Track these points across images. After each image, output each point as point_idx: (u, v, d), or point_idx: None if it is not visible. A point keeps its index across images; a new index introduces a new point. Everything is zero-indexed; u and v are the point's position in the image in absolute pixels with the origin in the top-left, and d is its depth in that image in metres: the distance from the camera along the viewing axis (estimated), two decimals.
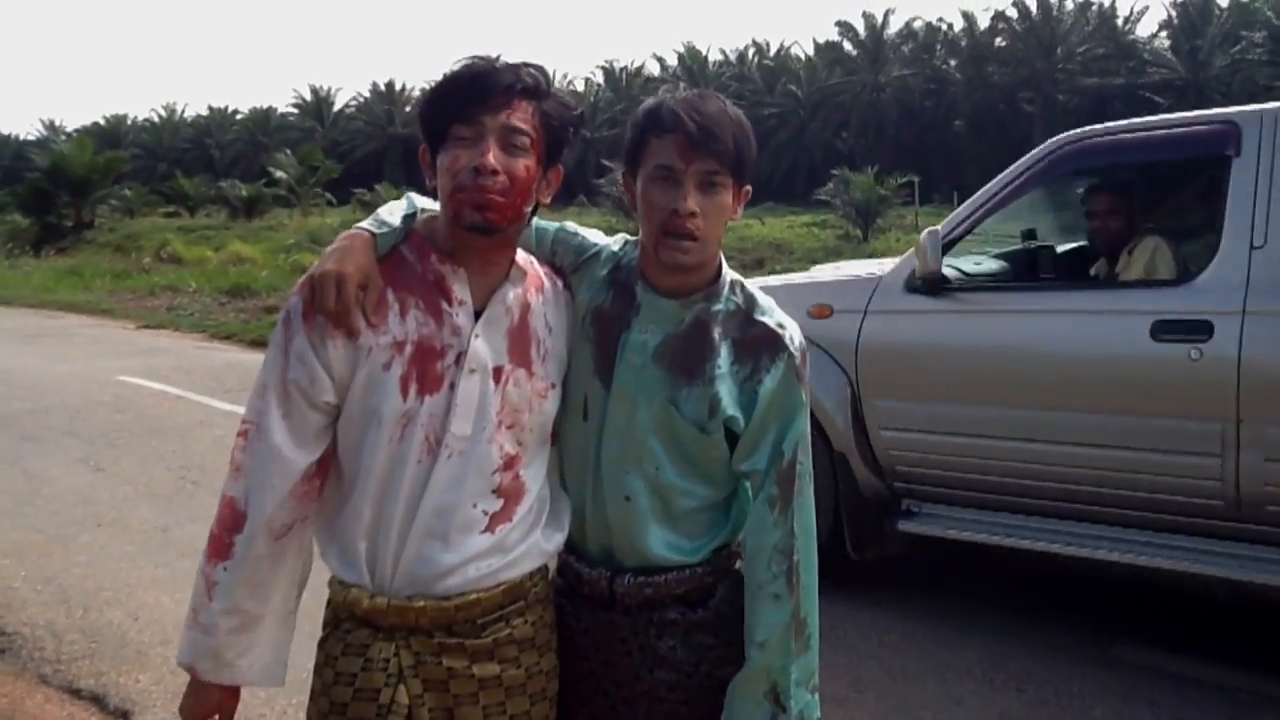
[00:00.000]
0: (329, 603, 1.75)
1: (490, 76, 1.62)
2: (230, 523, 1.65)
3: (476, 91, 1.61)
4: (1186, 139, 4.20)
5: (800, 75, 61.17)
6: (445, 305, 1.67)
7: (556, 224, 1.94)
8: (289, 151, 44.79)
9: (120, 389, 10.26)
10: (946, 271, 4.47)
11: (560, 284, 1.84)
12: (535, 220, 1.86)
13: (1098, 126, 4.45)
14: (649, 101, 1.76)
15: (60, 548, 5.61)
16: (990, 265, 5.11)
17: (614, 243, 1.89)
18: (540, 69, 1.67)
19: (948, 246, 4.46)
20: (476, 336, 1.66)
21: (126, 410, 9.20)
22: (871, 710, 3.75)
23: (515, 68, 1.64)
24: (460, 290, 1.67)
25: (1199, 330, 3.78)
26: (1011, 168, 4.49)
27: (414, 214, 1.75)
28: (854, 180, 24.21)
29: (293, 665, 1.78)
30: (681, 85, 1.77)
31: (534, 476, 1.75)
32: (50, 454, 7.66)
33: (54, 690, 4.05)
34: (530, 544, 1.73)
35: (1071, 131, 4.46)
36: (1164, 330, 3.85)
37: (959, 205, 4.80)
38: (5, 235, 33.57)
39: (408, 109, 66.23)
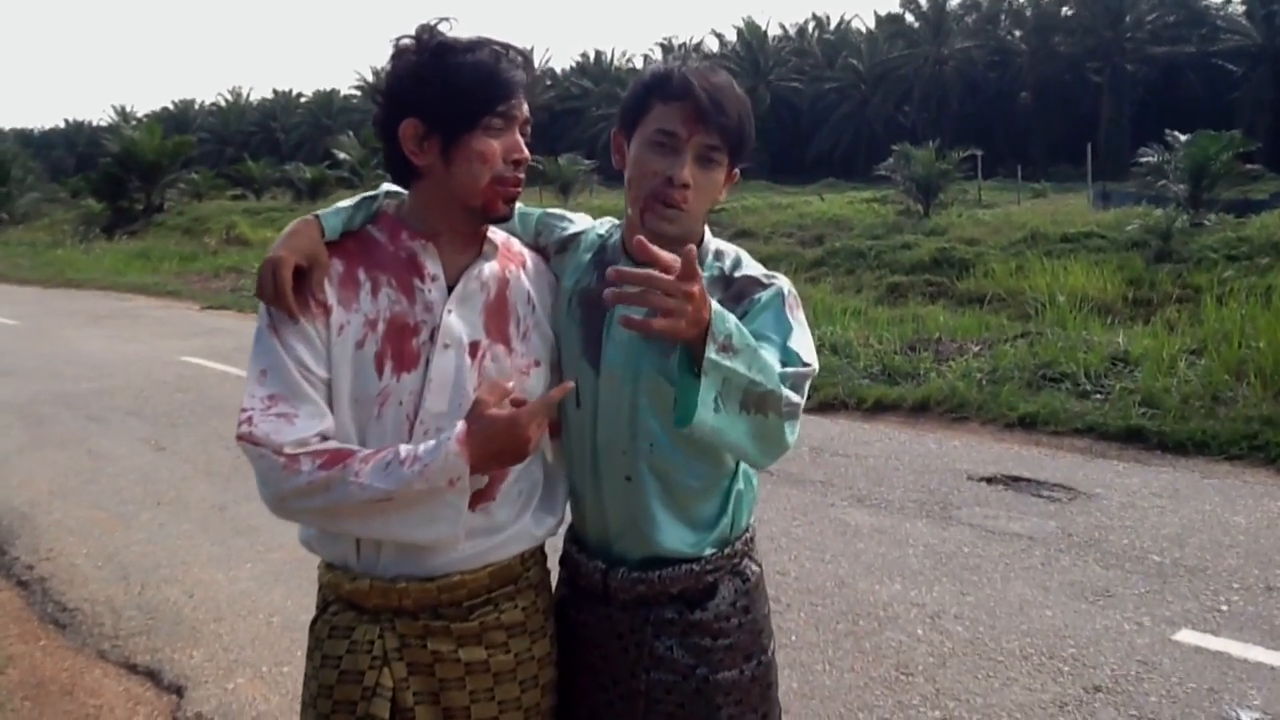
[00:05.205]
0: (319, 586, 1.75)
1: (513, 69, 1.62)
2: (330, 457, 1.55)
3: (511, 83, 1.62)
4: None
5: (861, 49, 60.13)
6: (417, 282, 1.66)
7: (540, 208, 1.91)
8: (351, 133, 45.13)
9: (183, 369, 10.45)
10: None
11: (543, 263, 1.83)
12: (519, 205, 1.84)
13: None
14: (657, 65, 1.72)
15: (121, 525, 5.73)
16: None
17: (599, 225, 1.86)
18: (523, 51, 1.67)
19: None
20: (449, 312, 1.65)
21: (188, 390, 9.36)
22: (920, 693, 3.69)
23: (523, 55, 1.65)
24: (432, 266, 1.67)
25: None
26: None
27: (376, 196, 1.73)
28: (915, 155, 23.68)
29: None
30: (692, 54, 1.72)
31: None
32: (114, 433, 7.82)
33: (111, 665, 4.13)
34: (520, 526, 1.71)
35: None
36: None
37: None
38: (79, 219, 34.40)
39: None
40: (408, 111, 1.61)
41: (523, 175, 1.64)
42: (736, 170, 1.72)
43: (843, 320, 11.19)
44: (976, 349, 9.40)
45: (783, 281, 1.73)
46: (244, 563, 5.08)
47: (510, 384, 1.59)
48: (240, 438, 1.55)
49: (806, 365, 1.62)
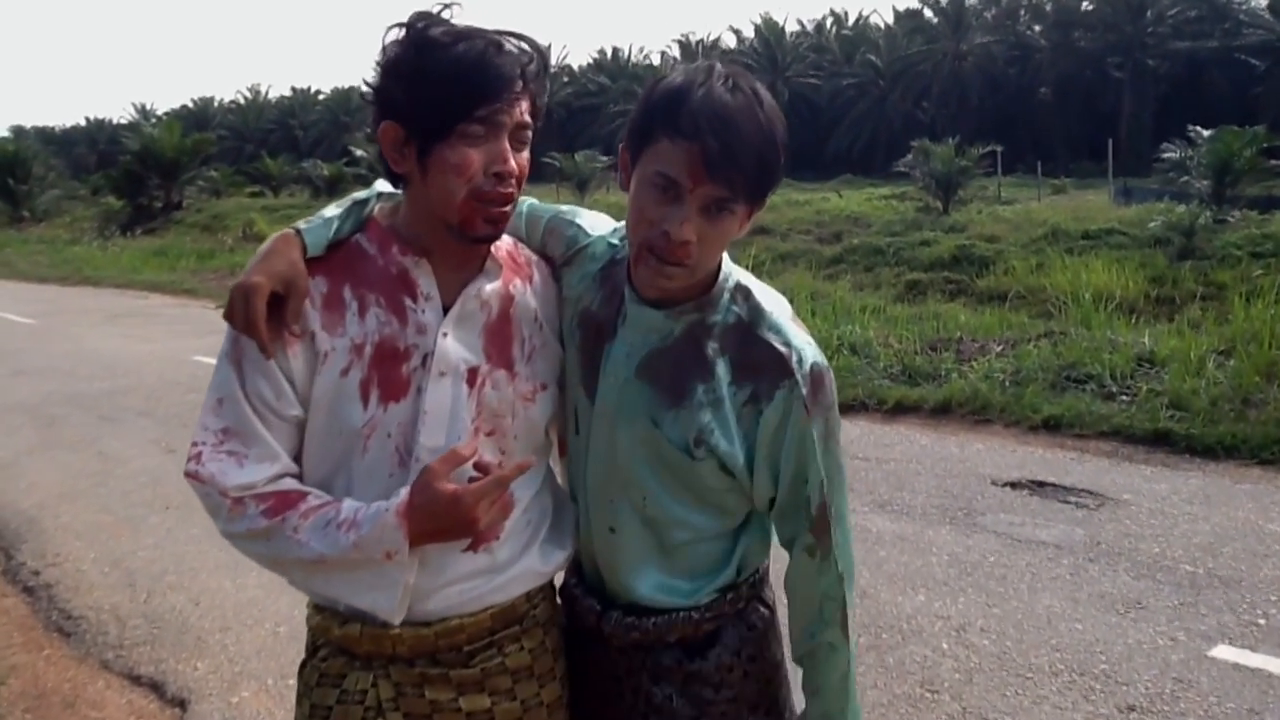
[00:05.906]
0: (308, 629, 1.61)
1: (506, 66, 1.39)
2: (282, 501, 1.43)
3: (499, 82, 1.38)
4: None
5: (880, 45, 59.93)
6: (409, 301, 1.48)
7: (553, 208, 1.70)
8: (369, 130, 45.24)
9: (195, 369, 10.37)
10: None
11: (551, 274, 1.65)
12: (530, 202, 1.68)
13: None
14: (674, 80, 1.41)
15: (129, 530, 5.65)
16: None
17: (614, 233, 1.63)
18: (531, 42, 1.45)
19: None
20: (445, 335, 1.48)
21: (200, 390, 9.15)
22: (946, 711, 3.55)
23: (522, 48, 1.43)
24: (426, 284, 1.49)
25: None
26: None
27: (367, 200, 1.56)
28: (934, 151, 23.48)
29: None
30: (716, 68, 1.42)
31: (524, 487, 1.54)
32: (125, 435, 7.75)
33: (114, 676, 4.04)
34: (525, 564, 1.55)
35: None
36: None
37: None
38: (99, 216, 34.54)
39: None
40: (385, 113, 1.43)
41: (508, 190, 1.42)
42: (760, 204, 1.47)
43: (861, 319, 11.03)
44: (999, 349, 9.23)
45: (803, 358, 1.48)
46: (251, 570, 4.98)
47: (469, 452, 1.42)
48: (187, 475, 1.44)
49: (833, 503, 1.52)
